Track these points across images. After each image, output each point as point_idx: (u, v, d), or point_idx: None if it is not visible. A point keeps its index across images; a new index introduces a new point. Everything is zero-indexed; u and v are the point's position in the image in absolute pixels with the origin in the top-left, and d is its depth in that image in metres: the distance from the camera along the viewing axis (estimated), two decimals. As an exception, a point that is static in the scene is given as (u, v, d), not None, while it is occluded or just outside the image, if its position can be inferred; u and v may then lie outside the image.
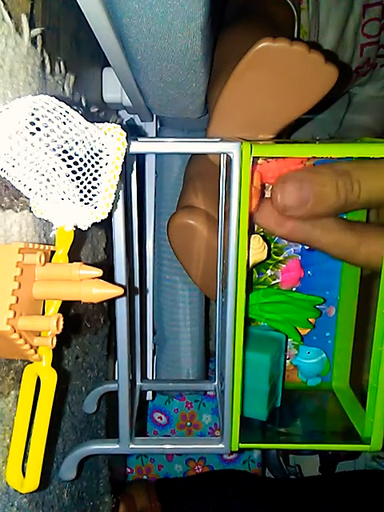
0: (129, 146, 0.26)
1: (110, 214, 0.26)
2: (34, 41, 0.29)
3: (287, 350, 0.46)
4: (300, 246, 0.45)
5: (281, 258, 0.45)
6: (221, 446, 0.37)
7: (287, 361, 0.47)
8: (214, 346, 0.47)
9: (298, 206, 0.34)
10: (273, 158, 0.36)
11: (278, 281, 0.45)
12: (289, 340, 0.46)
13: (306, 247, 0.45)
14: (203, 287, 0.49)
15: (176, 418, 0.91)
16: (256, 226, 0.42)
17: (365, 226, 0.38)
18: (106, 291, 0.25)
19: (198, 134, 0.66)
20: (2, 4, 0.26)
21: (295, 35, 0.58)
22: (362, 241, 0.36)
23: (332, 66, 0.37)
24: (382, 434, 0.37)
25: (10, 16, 0.26)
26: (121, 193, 0.29)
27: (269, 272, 0.45)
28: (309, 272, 0.45)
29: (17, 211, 0.28)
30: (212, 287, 0.45)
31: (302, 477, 0.99)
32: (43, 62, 0.32)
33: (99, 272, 0.25)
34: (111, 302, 0.32)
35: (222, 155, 0.39)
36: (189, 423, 0.91)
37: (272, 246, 0.44)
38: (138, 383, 0.47)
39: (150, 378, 0.68)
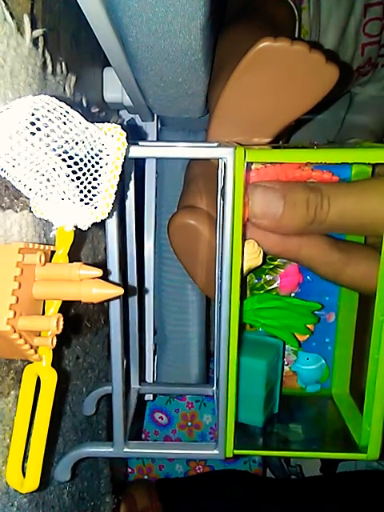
0: (128, 150, 0.26)
1: (110, 214, 0.26)
2: (35, 41, 0.29)
3: (286, 356, 0.46)
4: None
5: (279, 262, 0.44)
6: (215, 451, 0.37)
7: (286, 367, 0.46)
8: (213, 346, 0.47)
9: (267, 216, 0.34)
10: (271, 163, 0.36)
11: (276, 286, 0.45)
12: (288, 346, 0.46)
13: None
14: (203, 287, 0.49)
15: (177, 418, 0.91)
16: None
17: (350, 245, 0.38)
18: (106, 291, 0.24)
19: (198, 134, 0.65)
20: (4, 4, 0.26)
21: (296, 35, 0.58)
22: (349, 261, 0.35)
23: (333, 65, 0.37)
24: (379, 443, 0.36)
25: (12, 16, 0.26)
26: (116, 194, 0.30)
27: (267, 277, 0.45)
28: (308, 277, 0.45)
29: (17, 211, 0.28)
30: (212, 287, 0.45)
31: (303, 477, 0.99)
32: (44, 62, 0.32)
33: (99, 272, 0.25)
34: (111, 302, 0.32)
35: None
36: (189, 423, 0.91)
37: None
38: (137, 386, 0.47)
39: (151, 377, 0.68)
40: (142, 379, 0.48)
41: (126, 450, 0.37)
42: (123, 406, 0.36)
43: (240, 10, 0.54)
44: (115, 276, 0.32)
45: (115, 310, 0.33)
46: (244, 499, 0.81)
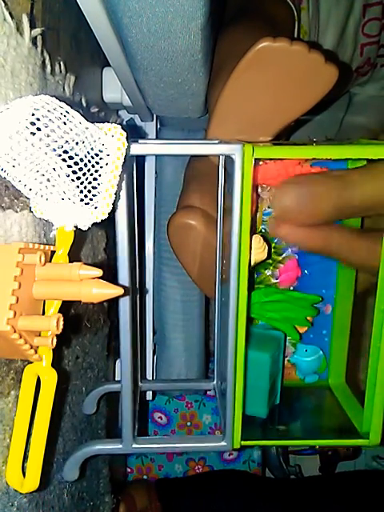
0: (129, 148, 0.26)
1: (111, 214, 0.26)
2: (34, 41, 0.30)
3: (285, 348, 0.47)
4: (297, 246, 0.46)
5: (279, 258, 0.45)
6: (223, 443, 0.37)
7: (285, 359, 0.47)
8: (213, 345, 0.47)
9: (296, 210, 0.35)
10: (271, 159, 0.37)
11: (276, 281, 0.46)
12: (287, 338, 0.46)
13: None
14: (202, 286, 0.49)
15: (176, 418, 0.91)
16: (256, 227, 0.43)
17: (376, 232, 0.39)
18: (106, 291, 0.25)
19: (198, 133, 0.65)
20: (3, 4, 0.26)
21: (295, 35, 0.58)
22: (375, 246, 0.36)
23: (332, 65, 0.37)
24: (380, 429, 0.37)
25: (11, 16, 0.26)
26: (123, 193, 0.30)
27: (267, 272, 0.46)
28: (306, 271, 0.46)
29: (17, 211, 0.28)
30: (211, 286, 0.45)
31: (303, 477, 0.99)
32: (44, 62, 0.32)
33: (99, 272, 0.25)
34: (111, 302, 0.32)
35: (221, 156, 0.40)
36: (189, 423, 0.91)
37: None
38: (139, 384, 0.47)
39: (150, 377, 0.68)
40: (142, 376, 0.48)
41: (134, 445, 0.37)
42: (132, 402, 0.36)
43: (239, 10, 0.54)
44: (125, 276, 0.33)
45: (125, 307, 0.33)
46: (243, 499, 0.81)
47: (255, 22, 0.50)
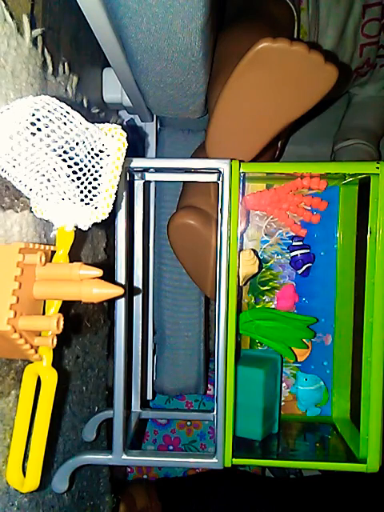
0: (133, 170, 0.27)
1: (112, 215, 0.26)
2: (34, 41, 0.30)
3: (285, 380, 0.47)
4: (294, 273, 0.48)
5: (276, 284, 0.47)
6: (214, 460, 0.38)
7: (286, 391, 0.48)
8: (213, 345, 0.47)
9: None
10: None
11: (273, 307, 0.48)
12: (286, 370, 0.47)
13: (299, 273, 0.47)
14: (203, 287, 0.49)
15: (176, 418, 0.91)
16: (244, 243, 0.47)
17: None
18: (107, 291, 0.25)
19: (198, 134, 0.66)
20: (3, 4, 0.26)
21: (295, 35, 0.58)
22: None
23: (332, 66, 0.37)
24: (378, 453, 0.37)
25: (12, 16, 0.26)
26: (124, 193, 0.30)
27: (265, 298, 0.48)
28: (304, 299, 0.48)
29: (17, 211, 0.28)
30: (212, 287, 0.45)
31: (302, 476, 0.99)
32: (44, 62, 0.32)
33: (99, 272, 0.25)
34: (111, 301, 0.32)
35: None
36: (189, 423, 0.91)
37: (268, 274, 0.47)
38: (138, 410, 0.48)
39: (150, 376, 0.68)
40: (143, 372, 0.49)
41: (124, 457, 0.37)
42: (124, 412, 0.36)
43: (239, 10, 0.54)
44: (122, 277, 0.33)
45: (121, 309, 0.34)
46: (243, 499, 0.81)
47: (255, 22, 0.50)
